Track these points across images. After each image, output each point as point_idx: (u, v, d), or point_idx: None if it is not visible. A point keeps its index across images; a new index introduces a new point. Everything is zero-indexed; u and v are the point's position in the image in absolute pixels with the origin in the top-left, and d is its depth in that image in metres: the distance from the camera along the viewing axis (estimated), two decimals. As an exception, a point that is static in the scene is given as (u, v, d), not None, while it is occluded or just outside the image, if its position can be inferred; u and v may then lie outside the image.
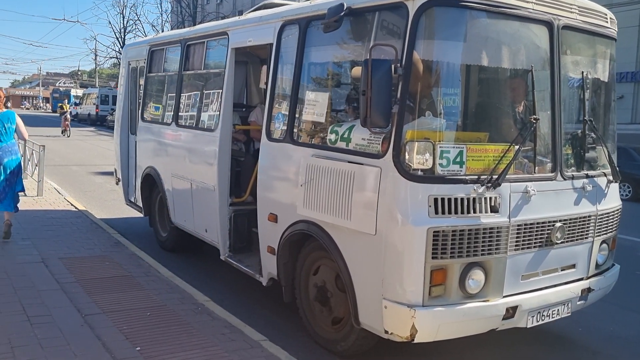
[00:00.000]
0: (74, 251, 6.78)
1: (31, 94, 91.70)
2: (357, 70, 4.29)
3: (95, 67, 63.66)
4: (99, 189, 12.42)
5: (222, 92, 5.95)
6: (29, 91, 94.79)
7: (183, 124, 6.84)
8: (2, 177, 7.08)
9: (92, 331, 4.40)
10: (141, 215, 8.21)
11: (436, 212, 3.73)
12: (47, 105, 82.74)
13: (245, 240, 6.06)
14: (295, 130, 4.81)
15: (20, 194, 7.59)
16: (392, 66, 3.73)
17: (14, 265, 6.03)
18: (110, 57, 50.14)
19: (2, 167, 7.06)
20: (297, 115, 4.80)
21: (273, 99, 5.13)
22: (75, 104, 47.83)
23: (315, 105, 4.64)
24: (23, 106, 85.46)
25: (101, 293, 5.33)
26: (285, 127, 4.88)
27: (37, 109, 79.94)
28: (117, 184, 9.10)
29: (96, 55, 58.08)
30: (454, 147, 3.82)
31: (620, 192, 15.30)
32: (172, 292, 5.51)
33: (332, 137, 4.39)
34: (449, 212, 3.76)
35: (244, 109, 7.70)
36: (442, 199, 3.74)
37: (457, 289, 3.83)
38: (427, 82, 3.88)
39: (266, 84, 5.30)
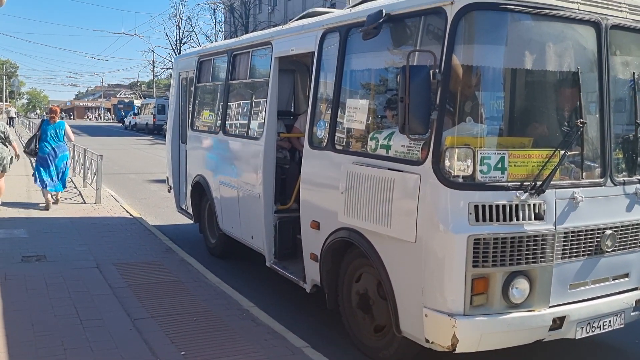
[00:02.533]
0: (127, 257, 7.01)
1: (94, 105, 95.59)
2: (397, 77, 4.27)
3: (153, 78, 65.72)
4: (153, 196, 12.80)
5: (266, 101, 6.04)
6: (92, 102, 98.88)
7: (229, 132, 6.98)
8: (59, 166, 10.15)
9: (140, 335, 4.54)
10: (191, 222, 8.41)
11: (477, 220, 3.66)
12: (109, 115, 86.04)
13: (290, 247, 6.10)
14: (336, 137, 4.82)
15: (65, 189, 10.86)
16: (431, 72, 3.69)
17: (70, 270, 6.30)
18: (168, 68, 51.56)
19: (58, 159, 10.14)
20: (338, 123, 4.81)
21: (315, 107, 5.17)
22: (134, 114, 49.49)
23: (356, 112, 4.64)
24: (86, 116, 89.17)
25: (150, 298, 5.49)
26: (326, 135, 4.90)
27: (100, 119, 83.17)
28: (169, 191, 9.35)
29: (154, 67, 59.94)
30: (495, 153, 3.74)
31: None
32: (219, 298, 5.62)
33: (373, 144, 4.38)
34: (490, 220, 3.68)
35: (291, 117, 7.78)
36: (483, 206, 3.67)
37: (500, 298, 3.74)
38: (466, 87, 3.82)
39: (309, 91, 5.34)
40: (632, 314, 4.33)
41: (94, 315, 4.95)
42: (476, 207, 3.66)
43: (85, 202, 10.94)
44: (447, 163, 3.72)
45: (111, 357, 4.15)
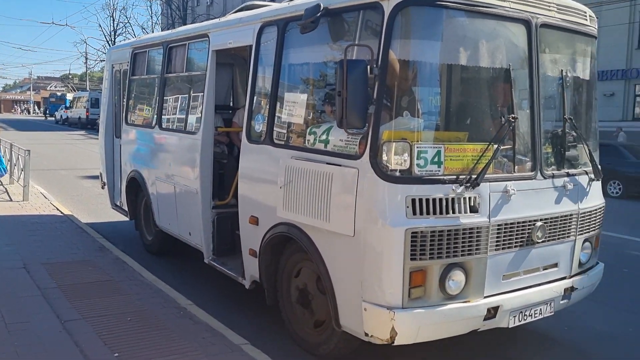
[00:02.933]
0: (57, 256, 6.72)
1: (22, 98, 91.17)
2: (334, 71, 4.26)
3: (86, 71, 63.39)
4: (86, 193, 12.33)
5: (203, 95, 5.91)
6: (20, 95, 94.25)
7: (166, 127, 6.80)
8: None
9: (70, 337, 4.35)
10: (127, 219, 8.16)
11: (414, 213, 3.70)
12: (37, 109, 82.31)
13: (229, 243, 6.00)
14: (275, 132, 4.77)
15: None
16: (368, 66, 3.70)
17: (-5, 271, 5.97)
18: (101, 60, 49.92)
19: None
20: (276, 117, 4.76)
21: (253, 101, 5.10)
22: (66, 108, 47.52)
23: (295, 106, 4.61)
24: (13, 110, 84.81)
25: (82, 298, 5.27)
26: (265, 129, 4.85)
27: (29, 113, 79.41)
28: (102, 188, 9.03)
29: (86, 59, 57.85)
30: (431, 147, 3.79)
31: (610, 189, 15.33)
32: (155, 297, 5.46)
33: (311, 138, 4.35)
34: (428, 213, 3.73)
35: (230, 111, 7.66)
36: (420, 200, 3.72)
37: (437, 290, 3.80)
38: (403, 82, 3.85)
39: (247, 85, 5.26)
40: (561, 302, 4.51)
41: (20, 318, 4.70)
42: (413, 200, 3.70)
43: (11, 200, 10.42)
44: (384, 157, 3.74)
45: (38, 361, 3.96)
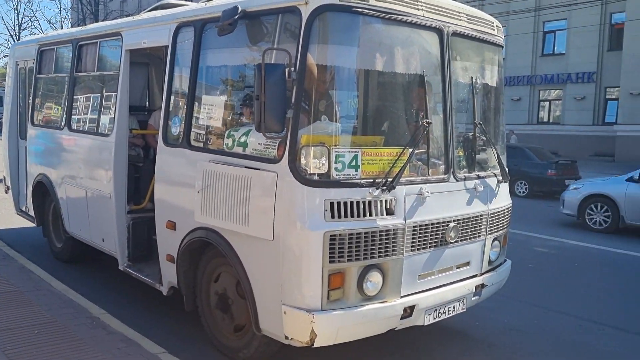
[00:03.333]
0: (-45, 267, 6.26)
1: None
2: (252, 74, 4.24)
3: (-11, 67, 59.40)
4: (-11, 198, 11.54)
5: (116, 96, 5.70)
6: None
7: (76, 128, 6.49)
8: None
9: (-30, 355, 4.06)
10: (34, 225, 7.72)
11: (332, 216, 3.74)
12: None
13: (145, 249, 5.82)
14: (192, 134, 4.67)
15: None
16: (286, 70, 3.70)
17: None
18: (4, 56, 46.97)
19: None
20: (194, 119, 4.67)
21: (169, 103, 4.97)
22: (-34, 106, 44.31)
23: (212, 109, 4.54)
24: None
25: (-16, 312, 4.94)
26: (182, 131, 4.74)
27: None
28: (6, 192, 8.49)
29: (-11, 54, 54.22)
30: (349, 151, 3.85)
31: (517, 189, 16.16)
32: (66, 307, 5.20)
33: (229, 142, 4.30)
34: (345, 216, 3.78)
35: (145, 113, 7.44)
36: (338, 203, 3.76)
37: (356, 292, 3.86)
38: (321, 86, 3.89)
39: (163, 87, 5.12)
40: (472, 298, 4.71)
41: None
42: (331, 204, 3.75)
43: None
44: (303, 161, 3.76)
45: None
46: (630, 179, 10.97)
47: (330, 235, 3.70)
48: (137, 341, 4.51)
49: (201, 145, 4.59)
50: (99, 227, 6.07)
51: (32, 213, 7.67)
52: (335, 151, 3.78)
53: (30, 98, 7.58)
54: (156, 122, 6.44)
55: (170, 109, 4.95)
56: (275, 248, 3.86)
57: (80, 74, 6.52)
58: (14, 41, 42.91)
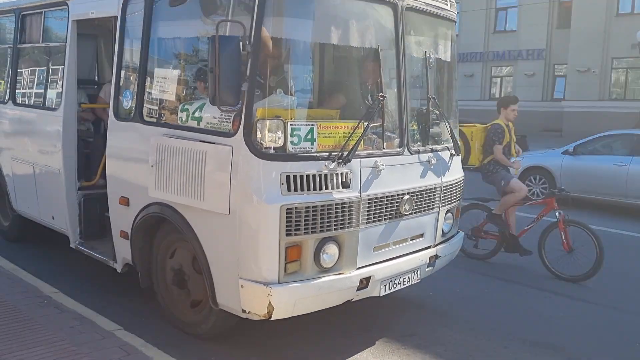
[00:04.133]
0: None
1: None
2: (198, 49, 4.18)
3: None
4: None
5: (64, 68, 5.50)
6: None
7: (21, 102, 6.25)
8: None
9: None
10: (-21, 203, 7.45)
11: (289, 190, 3.75)
12: None
13: (97, 226, 5.70)
14: (145, 108, 4.57)
15: None
16: (241, 43, 3.65)
17: None
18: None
19: None
20: (146, 93, 4.56)
21: (120, 76, 4.83)
22: None
23: (165, 82, 4.45)
24: None
25: None
26: (134, 106, 4.63)
27: None
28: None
29: None
30: (305, 125, 3.85)
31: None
32: (15, 287, 5.07)
33: (183, 115, 4.23)
34: (302, 189, 3.79)
35: (95, 86, 7.22)
36: (295, 176, 3.77)
37: (313, 264, 3.90)
38: (276, 59, 3.86)
39: (113, 59, 4.97)
40: (426, 269, 4.83)
41: None
42: (288, 177, 3.75)
43: None
44: (258, 134, 3.74)
45: None
46: (566, 152, 11.40)
47: (287, 209, 3.72)
48: (91, 319, 4.44)
49: (154, 119, 4.50)
50: (49, 205, 5.91)
51: (-25, 191, 7.39)
52: (291, 124, 3.77)
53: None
54: (107, 96, 6.24)
55: (121, 83, 4.82)
56: (231, 222, 3.85)
57: (24, 45, 6.27)
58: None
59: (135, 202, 4.65)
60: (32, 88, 6.12)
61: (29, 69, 6.23)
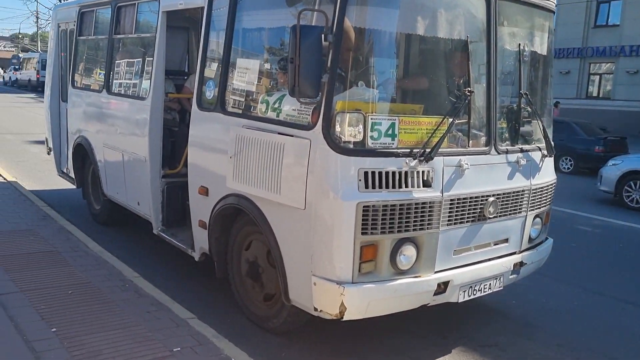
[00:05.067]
0: (-3, 225, 6.40)
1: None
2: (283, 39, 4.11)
3: (37, 30, 60.75)
4: (33, 159, 11.83)
5: (153, 59, 5.64)
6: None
7: (114, 91, 6.49)
8: None
9: (4, 311, 4.13)
10: (74, 187, 7.84)
11: (366, 187, 3.61)
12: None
13: (179, 214, 5.83)
14: (226, 99, 4.58)
15: None
16: (323, 33, 3.54)
17: None
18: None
19: None
20: (228, 84, 4.57)
21: (204, 66, 4.88)
22: (15, 69, 45.42)
23: (247, 73, 4.43)
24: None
25: (21, 270, 5.03)
26: (216, 96, 4.65)
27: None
28: (48, 153, 8.65)
29: (37, 18, 55.41)
30: (386, 119, 3.69)
31: (562, 165, 15.63)
32: (100, 269, 5.27)
33: (263, 107, 4.19)
34: (380, 187, 3.64)
35: (185, 77, 7.38)
36: (373, 173, 3.62)
37: (388, 265, 3.74)
38: (359, 50, 3.72)
39: (198, 50, 5.03)
40: (510, 277, 4.54)
41: (-48, 291, 4.45)
42: (366, 173, 3.61)
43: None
44: (337, 128, 3.62)
45: (-31, 337, 3.74)
46: None
47: (364, 206, 3.58)
48: (167, 305, 4.51)
49: (235, 110, 4.49)
50: (135, 191, 6.10)
51: (72, 175, 7.79)
52: (371, 119, 3.62)
53: (71, 60, 7.62)
54: (192, 86, 6.40)
55: (205, 73, 4.86)
56: (306, 217, 3.76)
57: (119, 36, 6.49)
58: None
59: (214, 192, 4.67)
60: (124, 77, 6.33)
61: (122, 59, 6.44)
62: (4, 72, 54.49)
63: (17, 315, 4.08)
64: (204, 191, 4.79)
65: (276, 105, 4.07)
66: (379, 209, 3.62)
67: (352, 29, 3.63)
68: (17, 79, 43.40)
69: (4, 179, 9.01)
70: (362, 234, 3.61)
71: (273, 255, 4.17)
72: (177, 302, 4.65)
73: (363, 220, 3.59)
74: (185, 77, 7.35)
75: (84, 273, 5.10)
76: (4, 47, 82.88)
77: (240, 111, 4.45)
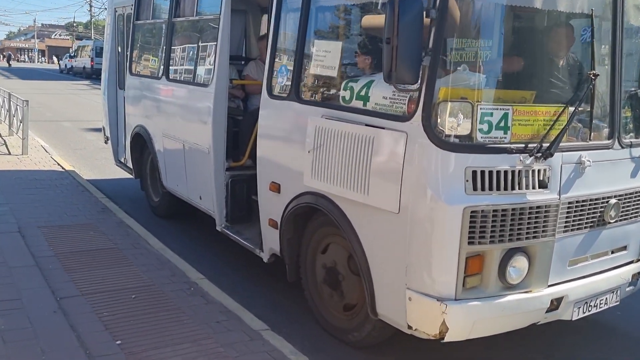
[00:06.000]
0: (56, 218, 6.17)
1: (26, 46, 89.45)
2: (372, 18, 3.60)
3: (91, 19, 61.86)
4: (90, 147, 11.73)
5: (217, 43, 5.21)
6: (24, 43, 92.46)
7: (174, 78, 6.11)
8: None
9: (66, 319, 3.80)
10: (132, 176, 7.57)
11: (474, 188, 3.07)
12: (43, 58, 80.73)
13: (244, 209, 5.43)
14: (301, 85, 4.10)
15: None
16: (425, 8, 3.00)
17: (-15, 236, 5.42)
18: (106, 8, 48.47)
19: None
20: (304, 69, 4.08)
21: (275, 50, 4.40)
22: (70, 57, 46.39)
23: (326, 56, 3.92)
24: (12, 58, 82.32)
25: (82, 270, 4.73)
26: (290, 83, 4.17)
27: (33, 62, 77.97)
28: (105, 142, 8.41)
29: (91, 6, 56.38)
30: (497, 109, 3.13)
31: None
32: (162, 269, 4.92)
33: (346, 94, 3.69)
34: (490, 188, 3.10)
35: (242, 62, 6.97)
36: (482, 172, 3.08)
37: (496, 279, 3.21)
38: (464, 28, 3.16)
39: (267, 31, 4.56)
40: (627, 289, 3.93)
41: (10, 294, 4.15)
42: (474, 173, 3.07)
43: (10, 153, 9.84)
44: (440, 119, 3.09)
45: (28, 350, 3.41)
46: None
47: (471, 211, 3.04)
48: (237, 314, 4.11)
49: (313, 98, 4.02)
50: (196, 184, 5.73)
51: (130, 165, 7.51)
52: (481, 108, 3.07)
53: (128, 46, 7.30)
54: (253, 73, 5.98)
55: (277, 57, 4.38)
56: (401, 222, 3.26)
57: (179, 19, 6.10)
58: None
59: (287, 189, 4.23)
60: (184, 63, 5.94)
61: (182, 44, 6.06)
62: (60, 59, 55.88)
63: (79, 324, 3.75)
64: (276, 188, 4.35)
65: (363, 93, 3.56)
66: (488, 214, 3.08)
67: (456, 2, 3.08)
68: (72, 66, 44.32)
69: (62, 168, 8.86)
70: (469, 243, 3.08)
71: (356, 262, 3.70)
72: (247, 308, 4.25)
73: (470, 227, 3.06)
74: (243, 62, 6.94)
75: (146, 274, 4.76)
76: (59, 35, 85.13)
77: (318, 99, 3.98)
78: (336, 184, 3.65)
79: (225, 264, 5.51)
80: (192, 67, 5.76)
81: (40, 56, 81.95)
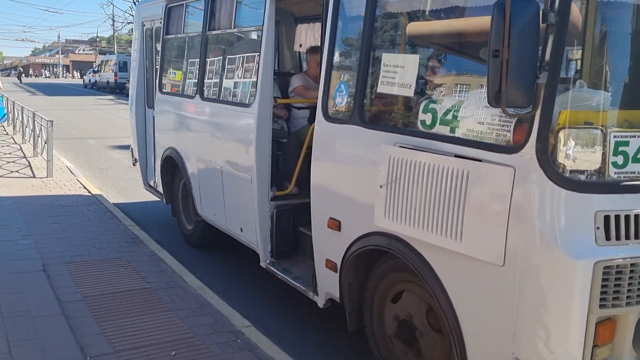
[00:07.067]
0: (83, 252, 5.64)
1: (51, 62, 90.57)
2: (464, 22, 2.99)
3: (114, 33, 62.34)
4: (116, 166, 11.28)
5: (259, 57, 4.65)
6: (49, 59, 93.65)
7: (209, 96, 5.57)
8: None
9: (98, 388, 3.24)
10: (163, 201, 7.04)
11: (608, 238, 2.43)
12: (68, 73, 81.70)
13: (290, 242, 4.85)
14: (367, 107, 3.51)
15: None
16: (541, 12, 2.39)
17: (6, 275, 4.90)
18: (128, 22, 48.54)
19: None
20: (369, 87, 3.49)
21: (331, 65, 3.80)
22: (94, 72, 46.60)
23: (398, 72, 3.31)
24: (36, 74, 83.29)
25: (113, 318, 4.17)
26: (352, 103, 3.58)
27: (57, 77, 78.88)
28: (134, 164, 7.90)
29: (113, 21, 56.78)
30: (635, 137, 2.49)
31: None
32: (203, 313, 4.34)
33: (427, 118, 3.07)
34: (627, 237, 2.45)
35: (275, 77, 6.41)
36: (617, 217, 2.44)
37: (630, 350, 2.56)
38: (589, 37, 2.53)
39: (321, 43, 3.98)
40: None
41: (33, 353, 3.60)
42: (607, 218, 2.43)
43: (34, 176, 9.40)
44: (561, 150, 2.46)
45: None
46: None
47: (604, 267, 2.40)
48: (293, 373, 3.51)
49: (382, 122, 3.42)
50: (237, 214, 5.16)
51: (160, 189, 6.98)
52: (614, 136, 2.44)
53: (158, 62, 6.80)
54: (300, 90, 5.41)
55: (333, 73, 3.79)
56: (506, 278, 2.62)
57: (214, 32, 5.56)
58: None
59: (349, 228, 3.62)
60: (222, 80, 5.38)
61: (218, 59, 5.51)
62: (83, 74, 56.29)
63: (112, 394, 3.18)
64: (335, 225, 3.75)
65: (449, 116, 2.95)
66: (625, 270, 2.43)
67: (578, 6, 2.46)
68: (96, 81, 44.48)
69: (89, 192, 8.38)
70: (601, 306, 2.44)
71: (440, 319, 3.08)
72: (302, 363, 3.64)
73: (602, 286, 2.42)
74: (275, 77, 6.37)
75: (185, 321, 4.18)
76: (83, 50, 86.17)
77: (390, 123, 3.37)
78: (416, 225, 3.03)
79: (270, 304, 4.89)
80: (231, 85, 5.20)
81: (64, 71, 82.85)
